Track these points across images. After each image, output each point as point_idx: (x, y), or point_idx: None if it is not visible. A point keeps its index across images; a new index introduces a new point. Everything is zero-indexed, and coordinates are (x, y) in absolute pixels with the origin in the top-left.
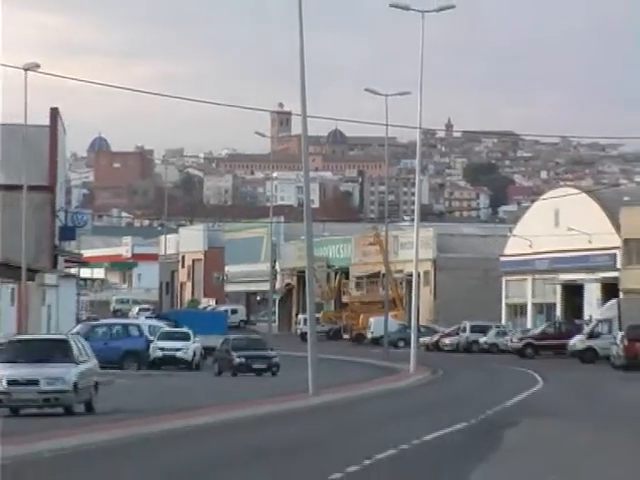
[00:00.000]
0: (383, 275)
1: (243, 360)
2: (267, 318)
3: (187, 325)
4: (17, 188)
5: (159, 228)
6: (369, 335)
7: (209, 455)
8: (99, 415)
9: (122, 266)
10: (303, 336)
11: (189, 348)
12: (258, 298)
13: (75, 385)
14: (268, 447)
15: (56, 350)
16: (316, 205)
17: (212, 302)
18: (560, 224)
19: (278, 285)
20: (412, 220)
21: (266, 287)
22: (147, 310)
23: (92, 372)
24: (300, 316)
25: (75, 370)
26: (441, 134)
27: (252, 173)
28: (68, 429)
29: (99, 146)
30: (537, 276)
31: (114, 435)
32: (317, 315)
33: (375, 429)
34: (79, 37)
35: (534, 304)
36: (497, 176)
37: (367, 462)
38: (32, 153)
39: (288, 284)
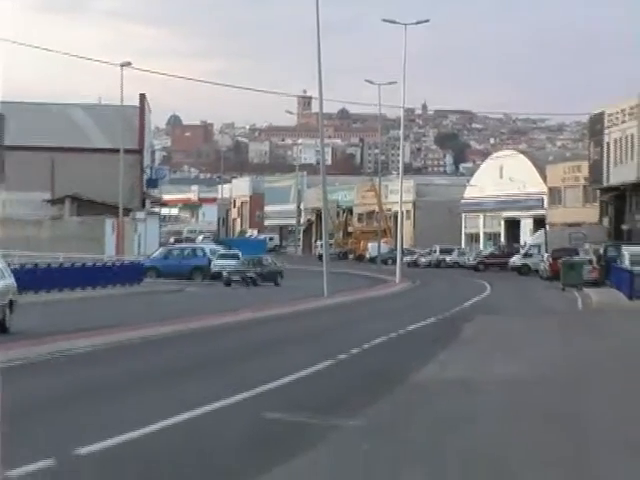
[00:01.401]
0: (377, 213)
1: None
2: (294, 244)
3: (237, 248)
4: (116, 151)
5: (217, 179)
6: (367, 255)
7: (238, 345)
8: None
9: (191, 207)
10: (320, 257)
11: None
12: (289, 229)
13: None
14: (288, 336)
15: None
16: (329, 163)
17: (255, 232)
18: (503, 176)
19: (302, 220)
20: (398, 174)
21: (293, 221)
22: (208, 238)
23: (5, 290)
24: (317, 242)
25: None
26: (418, 112)
27: (283, 140)
28: None
29: (174, 121)
30: (487, 213)
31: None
32: (330, 241)
33: (372, 322)
34: (161, 43)
35: (485, 233)
36: (458, 142)
37: (366, 346)
38: (127, 126)
39: (309, 219)
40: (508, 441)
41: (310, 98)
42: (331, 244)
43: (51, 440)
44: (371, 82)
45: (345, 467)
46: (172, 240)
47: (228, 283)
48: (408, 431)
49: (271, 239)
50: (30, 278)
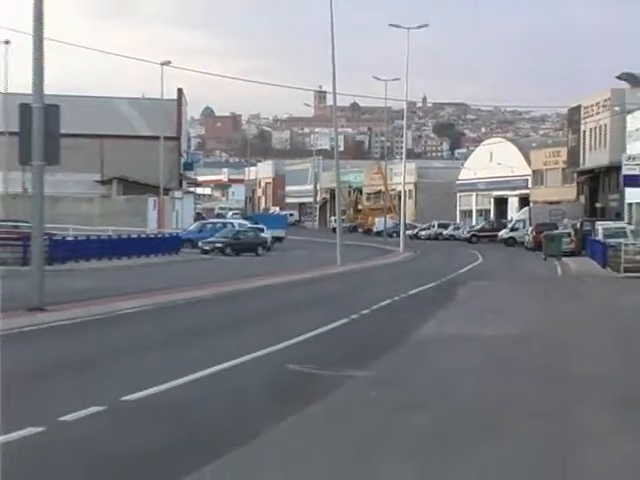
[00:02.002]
0: (383, 192)
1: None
2: (311, 219)
3: (262, 223)
4: (157, 138)
5: (244, 163)
6: (374, 229)
7: (265, 306)
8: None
9: (222, 187)
10: (334, 230)
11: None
12: (307, 206)
13: None
14: (307, 299)
15: None
16: (342, 149)
17: (277, 209)
18: (493, 160)
19: (318, 198)
20: (401, 158)
21: (311, 199)
22: (237, 214)
23: None
24: (332, 217)
25: None
26: (419, 104)
27: (302, 129)
28: None
29: (207, 112)
30: (479, 193)
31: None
32: (342, 217)
33: (379, 287)
34: (196, 43)
35: (477, 210)
36: (454, 131)
37: (374, 307)
38: (166, 117)
39: (324, 198)
40: (494, 387)
41: (325, 93)
42: (343, 219)
43: (101, 388)
44: (378, 78)
45: (355, 409)
46: (216, 213)
47: (205, 252)
48: (409, 379)
49: (291, 215)
50: (83, 248)
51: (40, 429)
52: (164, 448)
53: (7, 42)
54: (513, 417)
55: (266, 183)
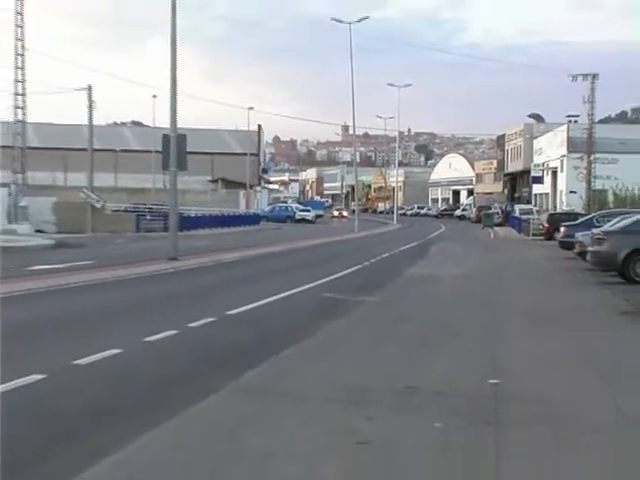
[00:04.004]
0: (383, 187)
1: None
2: (339, 204)
3: (309, 206)
4: (245, 154)
5: (299, 169)
6: (378, 210)
7: (308, 258)
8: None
9: (285, 184)
10: (353, 211)
11: (310, 214)
12: (337, 196)
13: None
14: (335, 254)
15: None
16: (358, 161)
17: (319, 197)
18: (451, 167)
19: (343, 191)
20: (395, 166)
21: (339, 192)
22: (294, 200)
23: None
24: (352, 203)
25: None
26: (406, 133)
27: (334, 148)
28: None
29: (275, 138)
30: (442, 187)
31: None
32: (359, 203)
33: (380, 245)
34: (269, 95)
35: (442, 198)
36: (428, 149)
37: (378, 258)
38: (251, 141)
39: (347, 191)
40: (454, 305)
41: (348, 126)
42: (360, 204)
43: (213, 307)
44: (380, 117)
45: (369, 319)
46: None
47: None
48: (402, 302)
49: (327, 202)
50: (200, 221)
51: (175, 332)
52: (250, 342)
53: (154, 96)
54: (468, 325)
55: (312, 182)
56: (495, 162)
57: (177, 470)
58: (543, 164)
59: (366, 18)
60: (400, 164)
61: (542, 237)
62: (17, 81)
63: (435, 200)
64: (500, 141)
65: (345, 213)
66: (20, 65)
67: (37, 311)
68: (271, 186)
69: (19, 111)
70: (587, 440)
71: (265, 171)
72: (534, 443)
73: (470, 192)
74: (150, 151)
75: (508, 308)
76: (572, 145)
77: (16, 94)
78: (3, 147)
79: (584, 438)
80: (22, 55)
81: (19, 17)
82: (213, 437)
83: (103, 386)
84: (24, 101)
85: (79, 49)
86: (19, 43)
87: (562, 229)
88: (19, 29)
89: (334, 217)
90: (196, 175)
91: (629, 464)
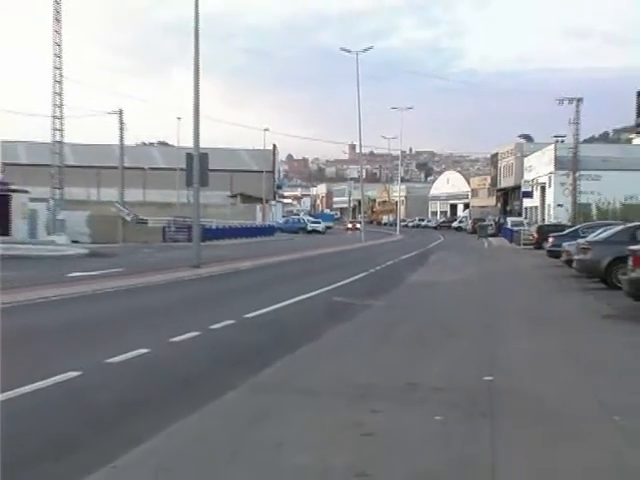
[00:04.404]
0: (387, 201)
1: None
2: (347, 217)
3: (320, 218)
4: (261, 172)
5: (310, 185)
6: (383, 222)
7: (319, 265)
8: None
9: (297, 198)
10: (359, 223)
11: (321, 226)
12: (345, 209)
13: None
14: (343, 262)
15: None
16: (364, 177)
17: (328, 210)
18: (449, 183)
19: (351, 205)
20: (398, 182)
21: (347, 205)
22: (306, 213)
23: None
24: (358, 215)
25: None
26: (408, 152)
27: (342, 166)
28: None
29: (289, 156)
30: (441, 201)
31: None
32: (365, 215)
33: (385, 255)
34: (283, 118)
35: (440, 211)
36: (427, 167)
37: (383, 265)
38: (267, 159)
39: (355, 205)
40: (452, 309)
41: (355, 145)
42: (365, 217)
43: (232, 310)
44: (384, 137)
45: (375, 321)
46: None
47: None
48: (405, 305)
49: (336, 214)
50: (220, 232)
51: (198, 333)
52: (265, 342)
53: (179, 118)
54: (465, 327)
55: (322, 196)
56: (489, 178)
57: (200, 458)
58: (533, 180)
59: (371, 48)
60: (402, 180)
61: (532, 246)
62: (55, 105)
63: (434, 213)
64: (494, 159)
65: (359, 225)
66: (58, 91)
67: (73, 314)
68: (285, 200)
69: (57, 133)
70: (571, 429)
71: (279, 187)
72: (526, 433)
73: (466, 206)
74: (175, 169)
75: (502, 311)
76: (559, 163)
77: (54, 117)
78: (43, 165)
79: (569, 427)
80: (60, 82)
81: (57, 47)
82: (231, 429)
83: (132, 382)
84: (62, 124)
85: (110, 75)
86: (57, 71)
87: (550, 239)
88: (57, 58)
89: (348, 229)
90: (217, 190)
91: (605, 448)
